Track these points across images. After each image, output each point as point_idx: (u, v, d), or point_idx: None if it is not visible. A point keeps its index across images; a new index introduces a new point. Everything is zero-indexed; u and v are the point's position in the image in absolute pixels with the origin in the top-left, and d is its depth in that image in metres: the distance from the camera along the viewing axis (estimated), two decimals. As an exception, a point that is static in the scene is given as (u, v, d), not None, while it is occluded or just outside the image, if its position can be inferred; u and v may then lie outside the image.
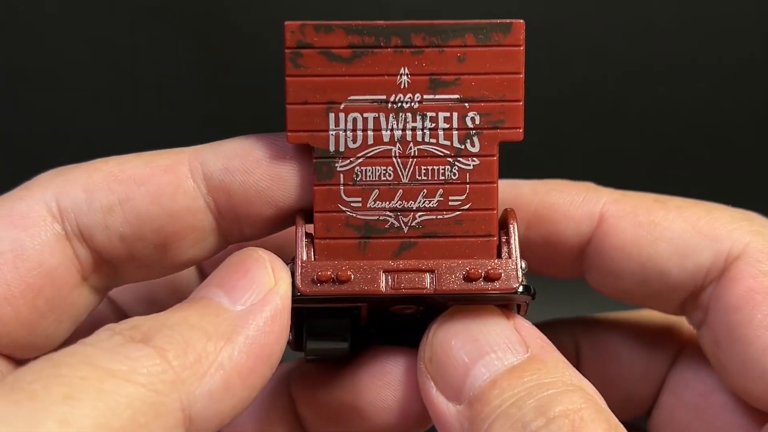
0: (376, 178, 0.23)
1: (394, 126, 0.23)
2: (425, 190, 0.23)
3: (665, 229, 0.25)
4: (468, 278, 0.22)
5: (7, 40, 0.49)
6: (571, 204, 0.26)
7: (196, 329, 0.19)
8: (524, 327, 0.23)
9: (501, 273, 0.22)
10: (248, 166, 0.23)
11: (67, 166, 0.24)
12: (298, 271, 0.22)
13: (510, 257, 0.22)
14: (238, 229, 0.23)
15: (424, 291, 0.22)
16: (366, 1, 0.50)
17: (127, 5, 0.49)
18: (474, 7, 0.51)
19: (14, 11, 0.49)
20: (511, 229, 0.23)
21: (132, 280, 0.24)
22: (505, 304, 0.23)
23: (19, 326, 0.22)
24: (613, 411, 0.21)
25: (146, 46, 0.50)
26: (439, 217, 0.23)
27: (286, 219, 0.23)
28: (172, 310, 0.20)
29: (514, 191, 0.26)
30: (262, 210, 0.23)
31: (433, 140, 0.23)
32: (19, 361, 0.23)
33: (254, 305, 0.20)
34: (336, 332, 0.24)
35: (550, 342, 0.23)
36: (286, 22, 0.23)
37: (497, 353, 0.22)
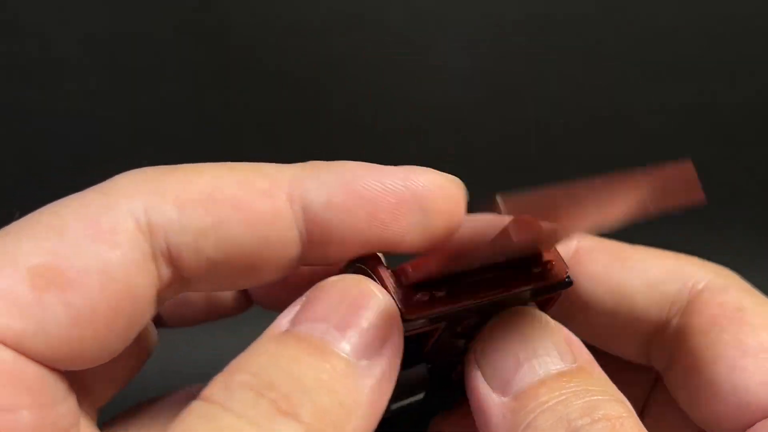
0: None
1: None
2: None
3: (636, 261, 0.26)
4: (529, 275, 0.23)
5: (7, 40, 0.50)
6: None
7: (332, 395, 0.18)
8: (573, 340, 0.23)
9: (554, 264, 0.23)
10: (351, 205, 0.21)
11: (154, 169, 0.22)
12: (397, 296, 0.21)
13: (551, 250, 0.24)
14: (320, 258, 0.22)
15: (500, 293, 0.23)
16: (366, 2, 0.50)
17: (127, 6, 0.49)
18: (474, 7, 0.51)
19: (14, 11, 0.49)
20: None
21: (196, 291, 0.23)
22: (550, 298, 0.24)
23: (95, 345, 0.20)
24: None
25: (146, 47, 0.50)
26: None
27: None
28: (296, 358, 0.19)
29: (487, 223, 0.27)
30: (354, 248, 0.22)
31: None
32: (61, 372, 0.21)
33: (375, 359, 0.19)
34: (414, 383, 0.24)
35: (594, 359, 0.23)
36: None
37: (549, 357, 0.22)
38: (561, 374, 0.22)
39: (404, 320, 0.21)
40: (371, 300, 0.20)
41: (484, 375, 0.23)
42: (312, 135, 0.52)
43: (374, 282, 0.21)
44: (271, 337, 0.19)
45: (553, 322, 0.23)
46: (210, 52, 0.51)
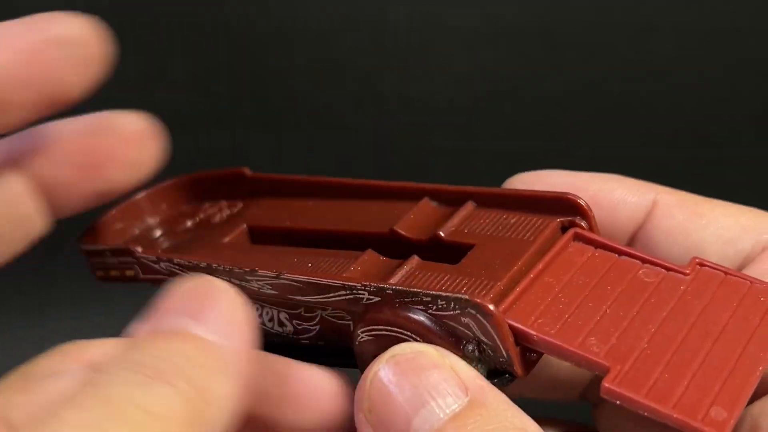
0: None
1: None
2: None
3: (711, 219, 0.26)
4: None
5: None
6: (628, 190, 0.27)
7: (198, 367, 0.20)
8: (461, 367, 0.22)
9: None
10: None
11: None
12: (517, 361, 0.22)
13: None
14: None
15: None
16: (366, 2, 0.50)
17: (128, 6, 0.49)
18: (474, 7, 0.51)
19: (14, 10, 0.49)
20: None
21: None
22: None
23: None
24: None
25: (146, 48, 0.50)
26: None
27: None
28: (161, 346, 0.20)
29: (571, 179, 0.27)
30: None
31: None
32: None
33: (232, 337, 0.21)
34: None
35: (487, 381, 0.22)
36: None
37: (437, 401, 0.21)
38: (454, 418, 0.21)
39: None
40: (217, 292, 0.22)
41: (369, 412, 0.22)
42: (312, 135, 0.52)
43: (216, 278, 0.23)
44: (137, 335, 0.21)
45: (435, 352, 0.22)
46: (210, 51, 0.50)
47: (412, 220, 0.26)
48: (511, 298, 0.22)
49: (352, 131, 0.51)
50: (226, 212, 0.31)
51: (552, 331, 0.22)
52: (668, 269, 0.24)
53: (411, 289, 0.22)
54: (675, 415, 0.20)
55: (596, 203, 0.26)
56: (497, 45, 0.51)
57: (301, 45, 0.50)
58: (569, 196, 0.25)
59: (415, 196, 0.27)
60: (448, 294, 0.22)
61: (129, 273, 0.29)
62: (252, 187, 0.31)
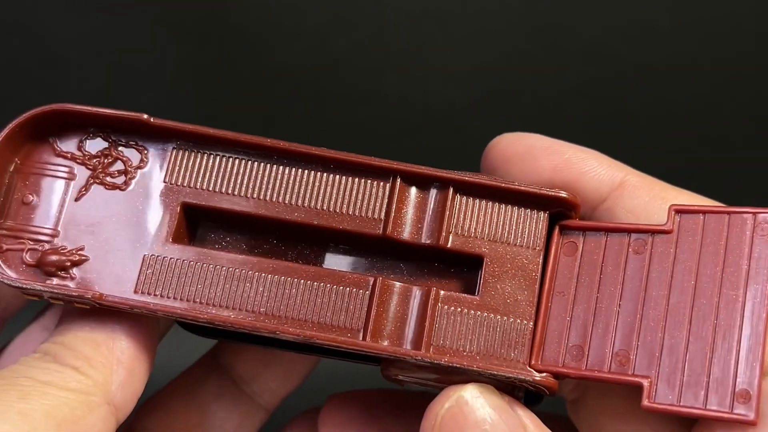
0: None
1: None
2: None
3: (674, 203, 0.26)
4: None
5: (8, 40, 0.49)
6: (600, 164, 0.28)
7: (87, 342, 0.25)
8: (523, 410, 0.24)
9: None
10: None
11: None
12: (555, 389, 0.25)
13: None
14: None
15: None
16: (366, 1, 0.50)
17: (128, 5, 0.49)
18: (474, 7, 0.51)
19: (14, 10, 0.49)
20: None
21: (18, 306, 0.29)
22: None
23: None
24: None
25: (146, 47, 0.50)
26: None
27: None
28: (60, 332, 0.25)
29: (549, 143, 0.29)
30: None
31: None
32: None
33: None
34: None
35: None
36: None
37: None
38: None
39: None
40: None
41: None
42: (312, 135, 0.51)
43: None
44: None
45: (502, 398, 0.24)
46: (210, 53, 0.50)
47: (399, 215, 0.25)
48: (538, 337, 0.24)
49: (351, 131, 0.51)
50: (130, 167, 0.26)
51: (582, 366, 0.24)
52: (653, 232, 0.24)
53: (464, 367, 0.24)
54: (709, 414, 0.22)
55: (567, 167, 0.27)
56: (497, 45, 0.51)
57: (300, 45, 0.50)
58: (563, 197, 0.25)
59: (384, 174, 0.26)
60: (501, 374, 0.24)
61: (80, 305, 0.25)
62: (154, 136, 0.26)
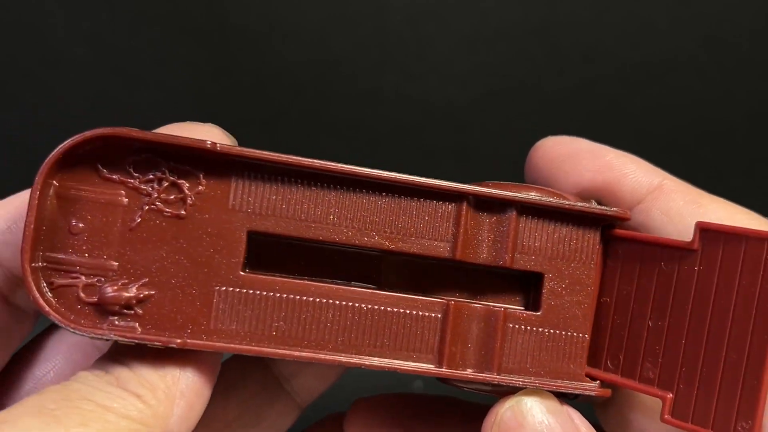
0: None
1: None
2: None
3: (708, 210, 0.27)
4: None
5: (8, 40, 0.49)
6: (639, 167, 0.29)
7: (154, 368, 0.23)
8: (577, 416, 0.25)
9: None
10: None
11: None
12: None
13: None
14: None
15: None
16: (366, 1, 0.50)
17: (128, 5, 0.49)
18: (474, 7, 0.51)
19: (14, 10, 0.49)
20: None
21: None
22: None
23: None
24: None
25: (146, 46, 0.50)
26: None
27: None
28: (124, 351, 0.24)
29: (592, 147, 0.29)
30: None
31: None
32: None
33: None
34: None
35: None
36: None
37: None
38: None
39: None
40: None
41: None
42: (312, 134, 0.52)
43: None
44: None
45: (557, 401, 0.25)
46: (210, 51, 0.50)
47: (467, 238, 0.25)
48: (588, 345, 0.25)
49: (351, 130, 0.52)
50: (188, 194, 0.24)
51: (619, 374, 0.25)
52: (680, 248, 0.25)
53: (532, 385, 0.25)
54: None
55: (609, 169, 0.28)
56: (497, 44, 0.51)
57: (300, 44, 0.50)
58: (620, 215, 0.26)
59: (450, 197, 0.25)
60: (566, 390, 0.25)
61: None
62: (214, 161, 0.24)
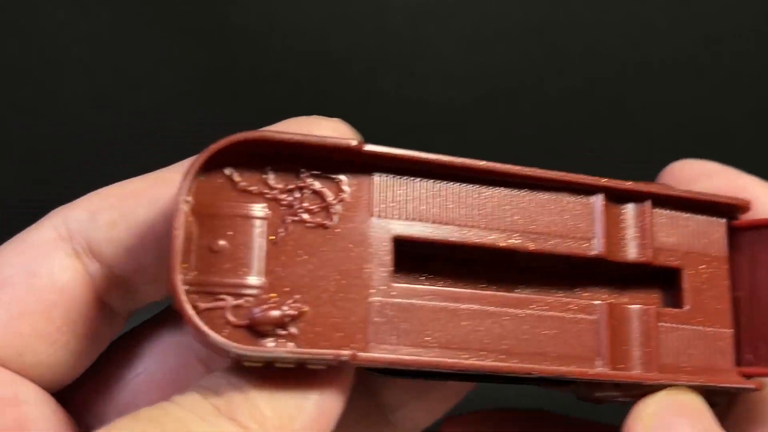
0: None
1: None
2: None
3: None
4: None
5: (8, 39, 0.49)
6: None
7: (272, 402, 0.20)
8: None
9: None
10: None
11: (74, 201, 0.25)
12: None
13: None
14: None
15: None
16: (366, 1, 0.50)
17: (128, 5, 0.49)
18: (474, 7, 0.51)
19: (14, 10, 0.49)
20: None
21: (151, 299, 0.25)
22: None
23: (37, 341, 0.23)
24: None
25: (146, 46, 0.50)
26: None
27: None
28: (235, 372, 0.21)
29: (729, 172, 0.29)
30: None
31: None
32: (53, 394, 0.24)
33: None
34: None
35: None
36: None
37: None
38: None
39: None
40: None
41: None
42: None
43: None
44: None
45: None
46: (210, 51, 0.50)
47: (610, 236, 0.24)
48: (732, 339, 0.25)
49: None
50: (330, 201, 0.22)
51: (762, 364, 0.25)
52: None
53: (692, 383, 0.24)
54: None
55: (741, 190, 0.27)
56: (497, 44, 0.51)
57: (300, 44, 0.50)
58: (746, 202, 0.26)
59: (588, 191, 0.24)
60: (723, 385, 0.24)
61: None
62: (356, 163, 0.22)
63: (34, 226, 0.24)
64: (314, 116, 0.24)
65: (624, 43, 0.51)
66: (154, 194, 0.23)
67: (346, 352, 0.20)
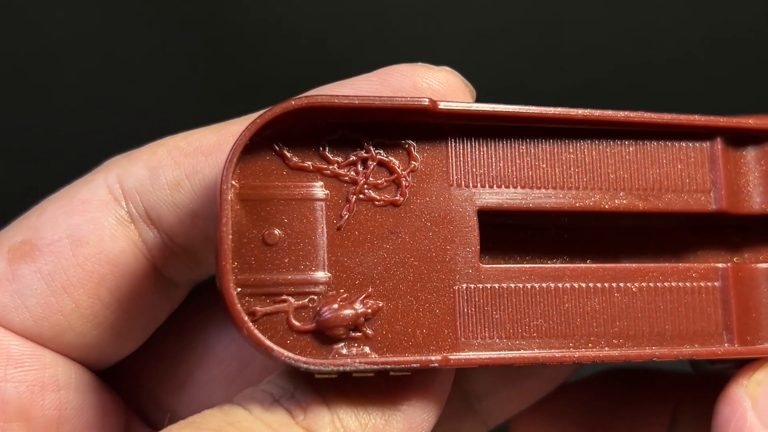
0: None
1: None
2: None
3: None
4: None
5: (8, 39, 0.49)
6: None
7: (353, 409, 0.17)
8: None
9: None
10: None
11: (134, 150, 0.21)
12: None
13: None
14: None
15: None
16: (366, 1, 0.50)
17: (128, 5, 0.49)
18: (474, 7, 0.51)
19: (14, 10, 0.49)
20: None
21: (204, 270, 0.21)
22: None
23: (81, 319, 0.20)
24: None
25: (146, 45, 0.50)
26: None
27: None
28: (301, 383, 0.18)
29: None
30: None
31: None
32: (96, 372, 0.21)
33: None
34: None
35: None
36: None
37: None
38: None
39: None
40: None
41: (754, 407, 0.20)
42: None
43: None
44: None
45: None
46: (209, 51, 0.50)
47: (729, 185, 0.20)
48: None
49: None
50: (401, 173, 0.19)
51: None
52: None
53: None
54: None
55: None
56: (497, 44, 0.51)
57: (300, 44, 0.50)
58: None
59: (702, 137, 0.20)
60: None
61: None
62: (428, 127, 0.19)
63: (85, 179, 0.21)
64: (417, 64, 0.20)
65: (624, 43, 0.51)
66: (222, 151, 0.20)
67: (435, 357, 0.17)
